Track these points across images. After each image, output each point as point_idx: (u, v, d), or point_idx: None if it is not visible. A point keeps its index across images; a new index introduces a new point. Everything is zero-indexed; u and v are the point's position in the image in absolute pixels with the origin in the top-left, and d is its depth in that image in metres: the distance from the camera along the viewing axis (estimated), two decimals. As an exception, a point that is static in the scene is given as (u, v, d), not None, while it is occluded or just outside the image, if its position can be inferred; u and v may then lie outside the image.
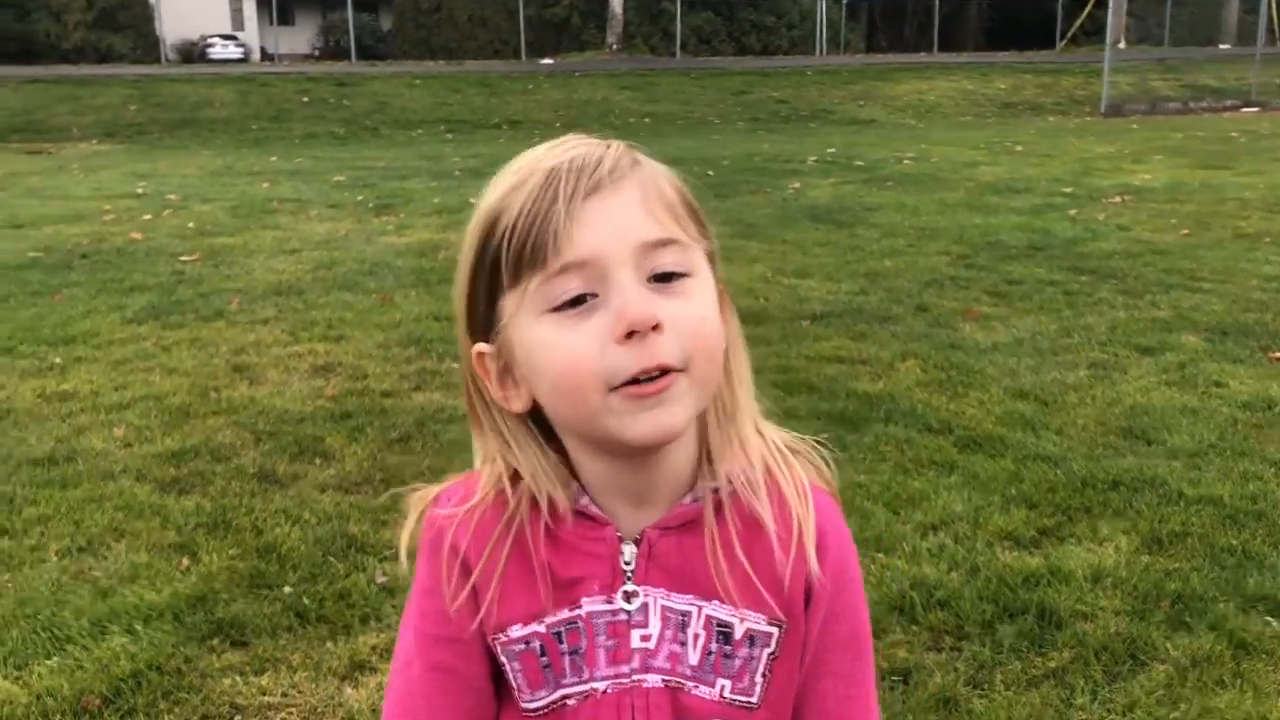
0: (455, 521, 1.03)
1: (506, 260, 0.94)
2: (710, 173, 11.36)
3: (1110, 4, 23.10)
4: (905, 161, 12.45)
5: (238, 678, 2.50)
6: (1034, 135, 16.07)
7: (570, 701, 1.03)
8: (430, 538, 1.04)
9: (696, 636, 1.03)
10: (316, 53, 41.84)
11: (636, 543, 1.02)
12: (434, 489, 1.07)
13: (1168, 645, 2.57)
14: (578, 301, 0.93)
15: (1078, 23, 32.01)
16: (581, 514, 1.02)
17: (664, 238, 0.95)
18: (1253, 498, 3.35)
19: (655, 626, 1.02)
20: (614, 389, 0.92)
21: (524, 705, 1.04)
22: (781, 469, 1.05)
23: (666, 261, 0.95)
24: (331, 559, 3.02)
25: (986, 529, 3.16)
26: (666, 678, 1.03)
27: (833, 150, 13.78)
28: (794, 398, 4.26)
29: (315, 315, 5.67)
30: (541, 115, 20.69)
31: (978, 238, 7.66)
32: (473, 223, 0.98)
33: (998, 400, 4.26)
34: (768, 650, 1.04)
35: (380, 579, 2.90)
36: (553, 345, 0.94)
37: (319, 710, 2.40)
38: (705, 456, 1.03)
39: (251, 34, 42.57)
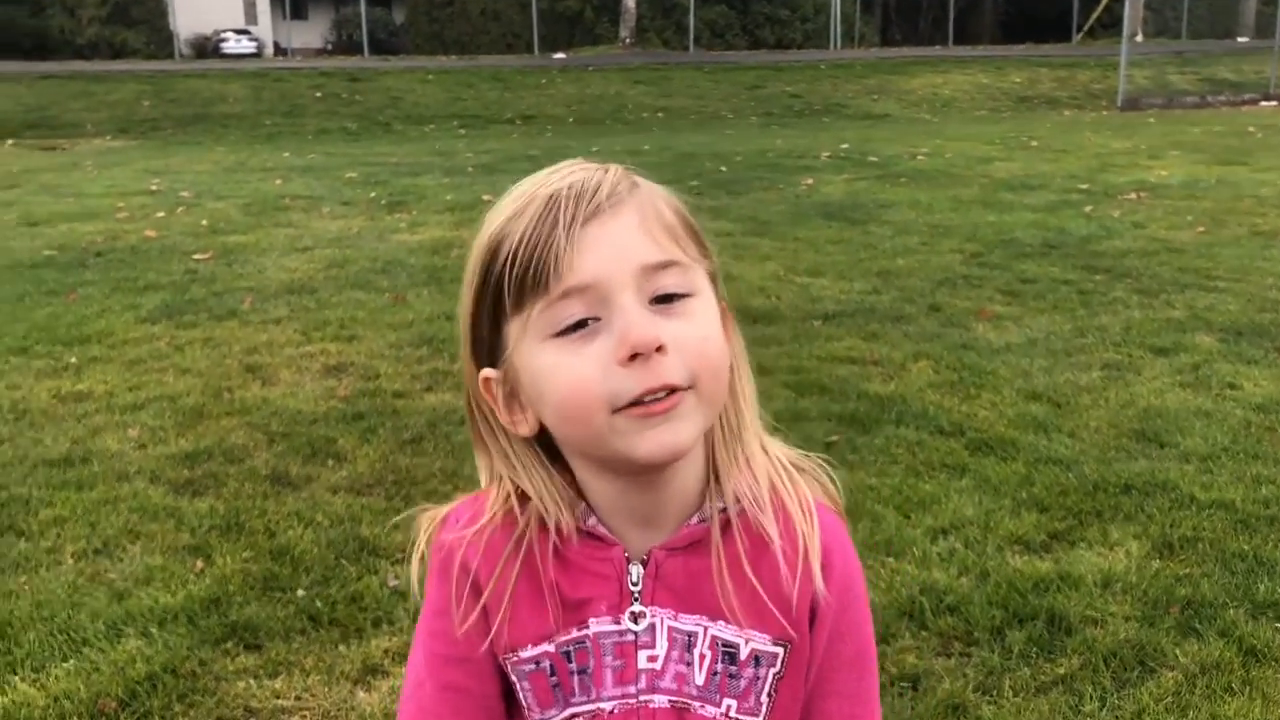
0: (465, 542, 1.04)
1: (509, 287, 0.95)
2: (723, 169, 11.35)
3: (1127, -3, 22.96)
4: (919, 157, 12.41)
5: (251, 681, 2.52)
6: (1050, 130, 16.00)
7: None
8: (440, 559, 1.05)
9: (703, 657, 1.04)
10: (329, 47, 41.97)
11: (644, 563, 1.03)
12: (442, 509, 1.09)
13: (1177, 652, 2.57)
14: (580, 325, 0.94)
15: (1094, 15, 31.84)
16: (589, 534, 1.03)
17: (664, 260, 0.96)
18: (1265, 502, 3.34)
19: (662, 647, 1.03)
20: (618, 410, 0.93)
21: (534, 723, 1.05)
22: (786, 486, 1.06)
23: (668, 283, 0.96)
24: (344, 562, 3.05)
25: (997, 533, 3.16)
26: (673, 698, 1.04)
27: (846, 145, 13.74)
28: (805, 399, 4.27)
29: (328, 314, 5.69)
30: (554, 110, 20.70)
31: (991, 236, 7.64)
32: (475, 250, 0.99)
33: (1010, 402, 4.25)
34: (773, 670, 1.05)
35: (392, 582, 2.92)
36: (557, 370, 0.95)
37: (331, 713, 2.42)
38: (712, 476, 1.03)
39: (265, 28, 42.70)
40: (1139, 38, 26.29)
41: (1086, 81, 23.61)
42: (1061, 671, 2.51)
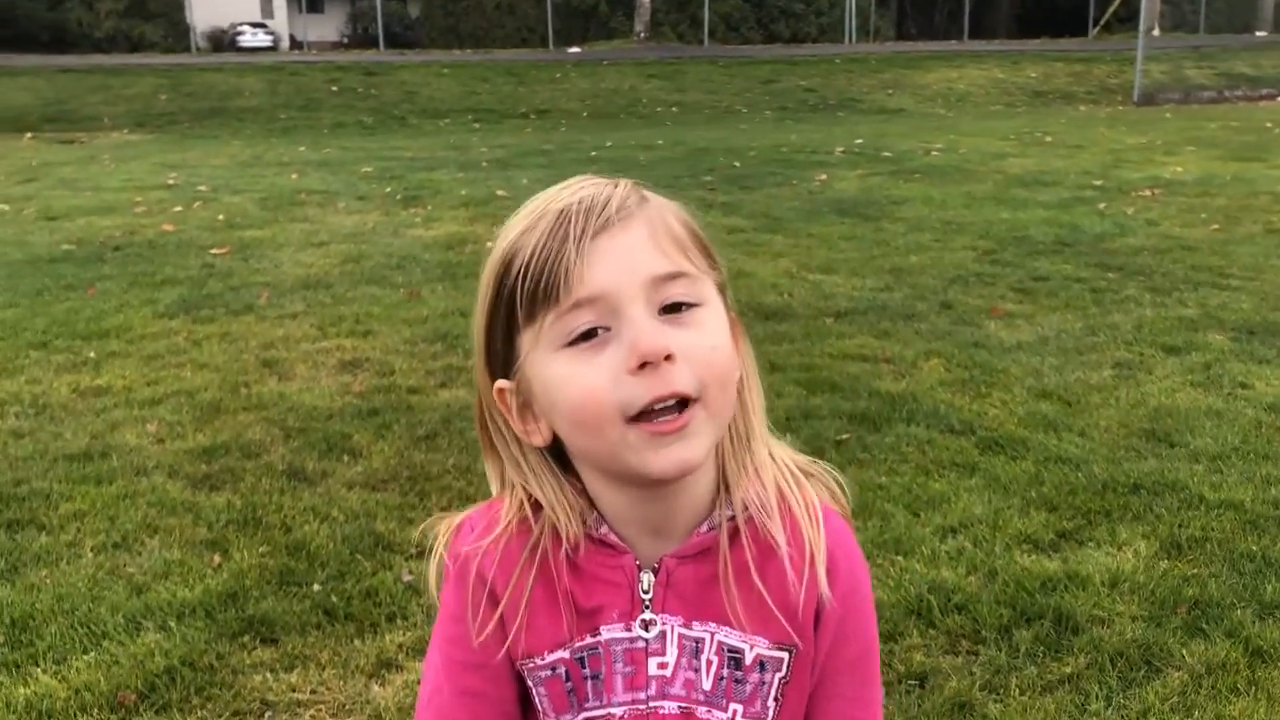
0: (480, 552, 1.06)
1: (521, 299, 0.98)
2: (737, 164, 11.35)
3: (1143, -9, 22.83)
4: (933, 153, 12.39)
5: (268, 674, 2.56)
6: (1065, 125, 15.94)
7: None
8: (457, 569, 1.07)
9: (710, 662, 1.06)
10: (345, 40, 42.03)
11: (655, 571, 1.05)
12: (457, 517, 1.11)
13: (1183, 652, 2.58)
14: (590, 335, 0.96)
15: (1111, 9, 31.65)
16: (600, 542, 1.05)
17: (673, 271, 0.98)
18: (1274, 503, 3.35)
19: (672, 655, 1.06)
20: (631, 420, 0.95)
21: (549, 728, 1.07)
22: (793, 490, 1.08)
23: (676, 293, 0.98)
24: (359, 557, 3.08)
25: (1005, 532, 3.17)
26: (682, 704, 1.06)
27: (860, 141, 13.72)
28: (816, 397, 4.29)
29: (343, 310, 5.74)
30: (569, 105, 20.72)
31: (1004, 232, 7.63)
32: (489, 265, 1.02)
33: (1021, 401, 4.27)
34: (779, 675, 1.06)
35: (407, 577, 2.95)
36: (568, 379, 0.97)
37: (346, 707, 2.46)
38: (722, 485, 1.05)
39: (281, 22, 42.82)
40: (1155, 32, 26.14)
41: (1102, 76, 23.50)
42: (1068, 671, 2.53)
